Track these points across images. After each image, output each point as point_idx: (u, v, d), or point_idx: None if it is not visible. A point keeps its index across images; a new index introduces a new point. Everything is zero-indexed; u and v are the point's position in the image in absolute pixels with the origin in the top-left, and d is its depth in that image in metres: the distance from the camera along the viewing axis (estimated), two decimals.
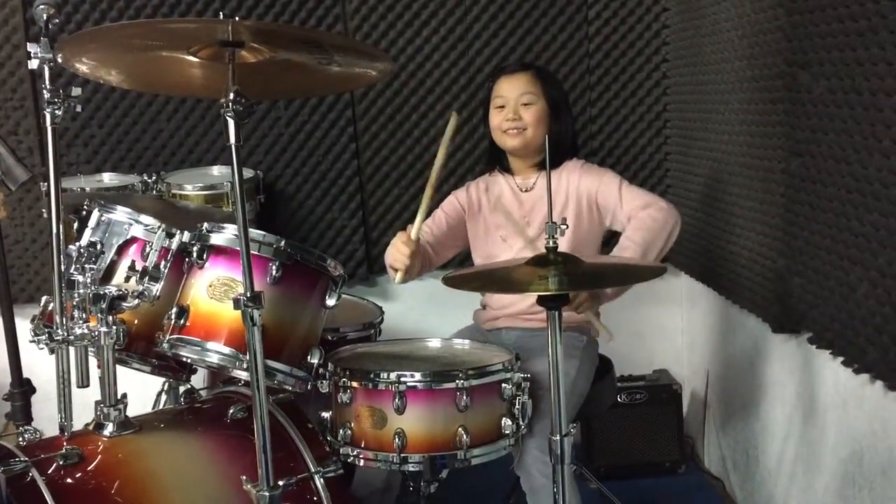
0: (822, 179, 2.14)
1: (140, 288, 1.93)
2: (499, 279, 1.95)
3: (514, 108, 2.39)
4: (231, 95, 1.61)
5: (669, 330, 3.35)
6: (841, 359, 2.12)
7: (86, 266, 1.85)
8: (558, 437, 1.76)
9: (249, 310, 1.62)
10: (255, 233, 1.91)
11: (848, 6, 1.97)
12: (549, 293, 1.73)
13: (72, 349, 1.87)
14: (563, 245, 1.86)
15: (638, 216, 2.32)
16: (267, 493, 1.65)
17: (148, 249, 2.03)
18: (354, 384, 1.99)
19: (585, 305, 2.26)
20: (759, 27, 2.41)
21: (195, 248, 1.95)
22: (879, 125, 1.90)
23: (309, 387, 2.01)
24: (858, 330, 2.03)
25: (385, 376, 1.96)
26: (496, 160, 2.53)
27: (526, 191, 2.47)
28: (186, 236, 2.01)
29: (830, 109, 2.08)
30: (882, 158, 1.89)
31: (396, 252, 2.25)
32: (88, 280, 1.85)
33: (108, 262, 2.02)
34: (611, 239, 2.47)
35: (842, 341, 2.11)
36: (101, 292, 1.85)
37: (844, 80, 2.01)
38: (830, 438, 2.27)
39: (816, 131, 2.15)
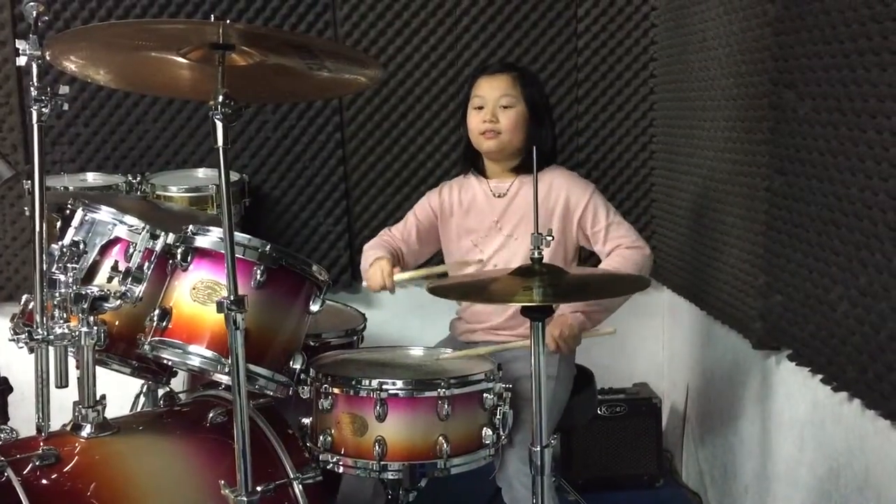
0: (805, 198, 2.16)
1: (122, 289, 1.92)
2: (483, 289, 1.95)
3: (492, 110, 2.36)
4: (220, 98, 1.61)
5: (650, 343, 3.37)
6: (820, 376, 2.14)
7: (68, 265, 1.84)
8: (538, 449, 1.76)
9: (232, 313, 1.62)
10: (240, 236, 1.90)
11: (834, 27, 1.99)
12: (533, 304, 1.73)
13: (51, 349, 1.85)
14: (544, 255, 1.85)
15: (622, 254, 2.32)
16: (245, 499, 1.64)
17: (131, 250, 2.02)
18: (336, 391, 1.99)
19: (563, 347, 2.23)
20: (746, 45, 2.44)
21: (179, 250, 1.94)
22: (862, 145, 1.92)
23: (290, 392, 2.01)
24: (838, 348, 2.04)
25: (367, 383, 1.96)
26: (471, 162, 2.50)
27: (499, 196, 2.44)
28: (171, 238, 2.00)
29: (815, 129, 2.10)
30: (865, 178, 1.91)
31: (374, 277, 2.31)
32: (70, 280, 1.84)
33: (90, 261, 2.01)
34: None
35: (821, 359, 2.12)
36: (83, 292, 1.84)
37: (829, 100, 2.04)
38: (808, 455, 2.28)
39: (800, 150, 2.17)
